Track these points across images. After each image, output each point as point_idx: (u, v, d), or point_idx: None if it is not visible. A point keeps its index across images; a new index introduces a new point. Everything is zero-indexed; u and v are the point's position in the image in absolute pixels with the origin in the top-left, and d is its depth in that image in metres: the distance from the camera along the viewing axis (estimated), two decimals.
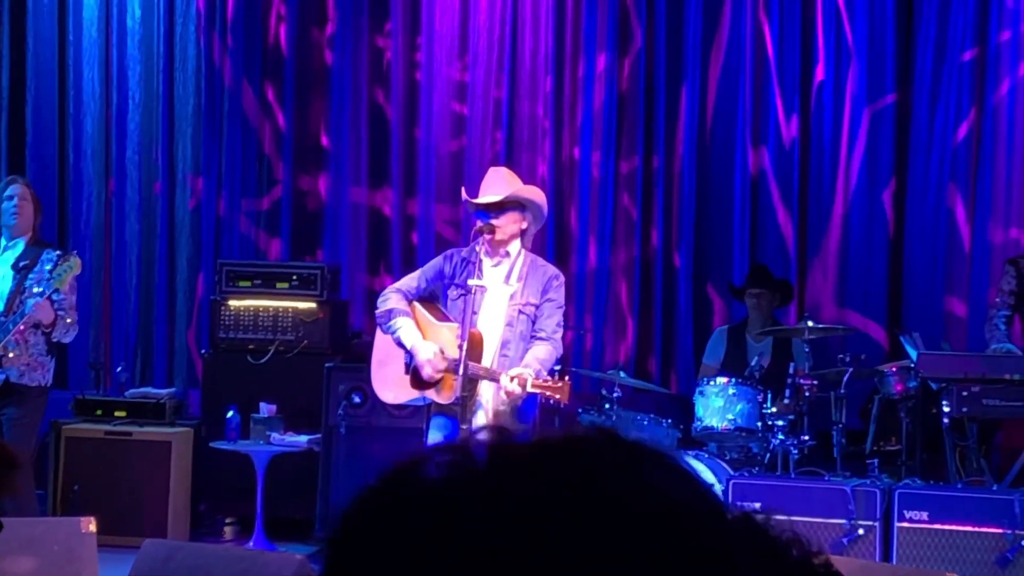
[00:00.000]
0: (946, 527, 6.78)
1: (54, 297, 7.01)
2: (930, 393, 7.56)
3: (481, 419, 6.19)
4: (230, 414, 8.25)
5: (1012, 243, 8.68)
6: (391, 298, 6.43)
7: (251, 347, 8.68)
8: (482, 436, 0.94)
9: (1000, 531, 6.70)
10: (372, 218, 9.65)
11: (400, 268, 9.08)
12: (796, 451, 7.41)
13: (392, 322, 6.34)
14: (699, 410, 7.61)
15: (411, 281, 6.52)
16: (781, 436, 7.42)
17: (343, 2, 9.62)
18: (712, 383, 7.66)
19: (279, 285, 8.78)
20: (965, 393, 7.19)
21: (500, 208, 6.28)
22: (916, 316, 8.79)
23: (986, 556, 6.72)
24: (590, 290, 9.28)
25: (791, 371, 7.62)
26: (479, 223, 6.31)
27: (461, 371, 6.02)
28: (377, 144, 9.63)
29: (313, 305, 8.72)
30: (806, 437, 7.46)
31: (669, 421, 7.90)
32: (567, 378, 6.12)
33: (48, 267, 7.09)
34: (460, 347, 6.05)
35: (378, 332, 6.55)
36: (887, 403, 7.76)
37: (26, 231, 7.35)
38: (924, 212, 8.89)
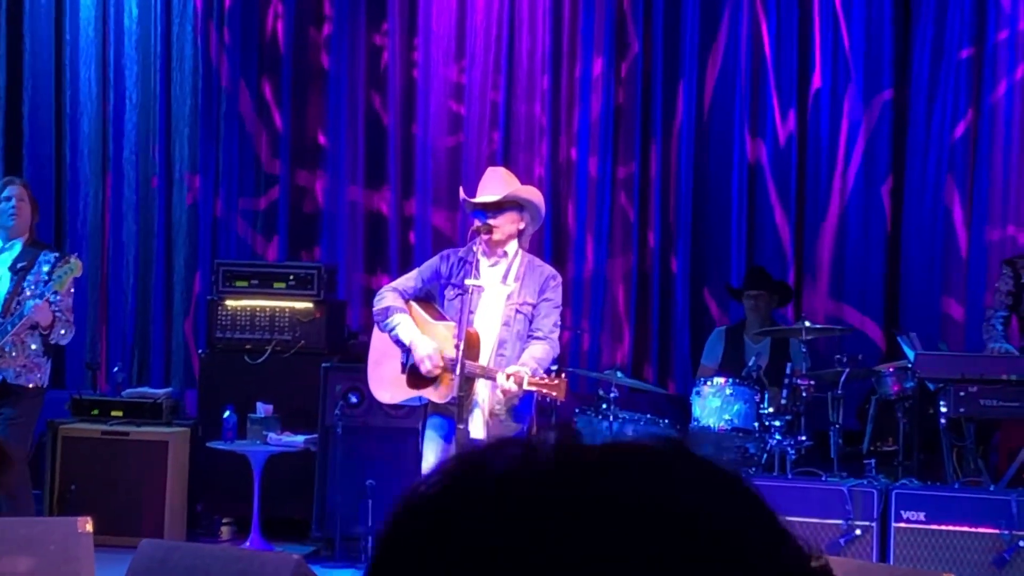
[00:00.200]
0: (943, 527, 6.78)
1: (51, 299, 7.00)
2: (927, 393, 7.57)
3: (478, 419, 6.19)
4: (227, 414, 8.24)
5: (1009, 241, 8.69)
6: (387, 297, 6.43)
7: (248, 347, 8.68)
8: (549, 434, 0.93)
9: (997, 531, 6.71)
10: (369, 218, 9.65)
11: (397, 268, 9.07)
12: (793, 451, 7.41)
13: (389, 319, 6.34)
14: (696, 410, 7.61)
15: (408, 281, 6.52)
16: (778, 436, 7.42)
17: (340, 2, 9.62)
18: (709, 383, 7.66)
19: (276, 285, 8.77)
20: (962, 393, 7.19)
21: (498, 208, 6.28)
22: (913, 316, 8.79)
23: (983, 556, 6.72)
24: (587, 292, 9.27)
25: (788, 371, 7.63)
26: (476, 223, 6.31)
27: (458, 370, 6.02)
28: (374, 144, 9.63)
29: (310, 305, 8.72)
30: (803, 437, 7.46)
31: (666, 421, 7.90)
32: (563, 376, 6.12)
33: (46, 268, 7.08)
34: (457, 346, 6.05)
35: (375, 332, 6.54)
36: (884, 403, 7.77)
37: (23, 232, 7.34)
38: (921, 212, 8.89)
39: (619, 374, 7.96)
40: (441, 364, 6.16)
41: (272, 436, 8.21)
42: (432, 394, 6.22)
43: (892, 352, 8.39)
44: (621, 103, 9.29)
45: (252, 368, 8.60)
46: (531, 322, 6.30)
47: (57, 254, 7.29)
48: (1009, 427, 7.65)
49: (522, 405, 6.24)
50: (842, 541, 6.80)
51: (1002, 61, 8.78)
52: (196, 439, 8.51)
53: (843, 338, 8.46)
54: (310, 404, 8.31)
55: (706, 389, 7.61)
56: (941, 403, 7.28)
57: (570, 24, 9.37)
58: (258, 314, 8.73)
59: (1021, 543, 6.66)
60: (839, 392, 7.51)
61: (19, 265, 7.20)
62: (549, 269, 6.50)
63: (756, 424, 7.49)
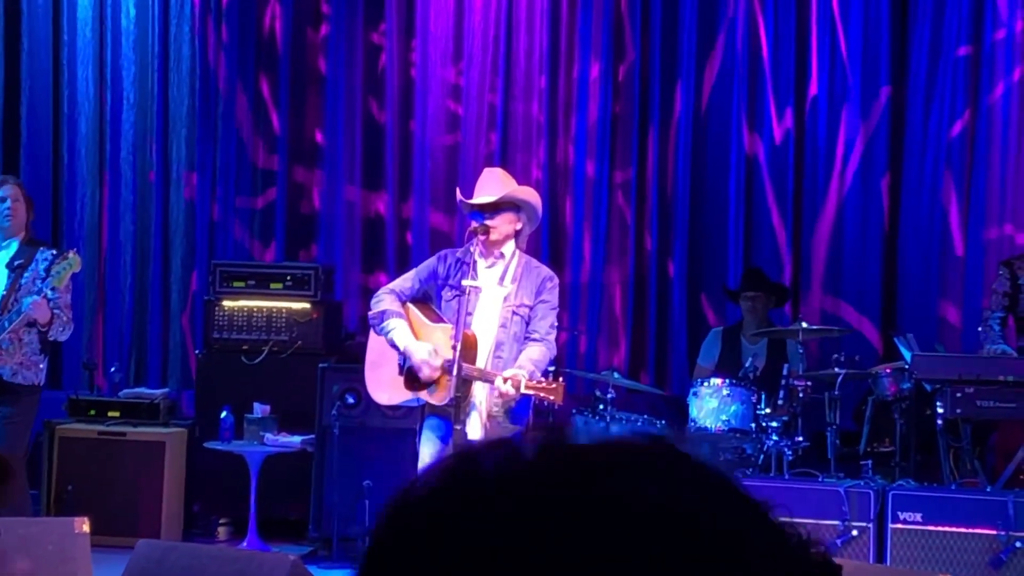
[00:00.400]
0: (940, 528, 6.78)
1: (50, 296, 7.00)
2: (924, 394, 7.57)
3: (475, 420, 6.19)
4: (224, 414, 8.24)
5: (1007, 240, 8.70)
6: (384, 299, 6.42)
7: (245, 347, 8.68)
8: (536, 434, 0.93)
9: (994, 532, 6.71)
10: (366, 218, 9.65)
11: (394, 269, 9.07)
12: (790, 452, 7.41)
13: (385, 323, 6.33)
14: (693, 411, 7.60)
15: (404, 282, 6.52)
16: (775, 437, 7.42)
17: (338, 2, 9.62)
18: (706, 384, 7.66)
19: (273, 286, 8.77)
20: (959, 394, 7.19)
21: (495, 209, 6.27)
22: (910, 317, 8.80)
23: (980, 557, 6.73)
24: (584, 295, 9.26)
25: (785, 372, 7.63)
26: (474, 224, 6.30)
27: (455, 372, 6.02)
28: (371, 144, 9.63)
29: (307, 306, 8.72)
30: (800, 438, 7.46)
31: (663, 422, 7.90)
32: (561, 379, 6.12)
33: (43, 266, 7.08)
34: (454, 348, 6.05)
35: (372, 333, 6.54)
36: (881, 404, 7.77)
37: (19, 231, 7.34)
38: (919, 211, 8.89)
39: (616, 375, 7.96)
40: (438, 368, 6.16)
41: (269, 436, 8.21)
42: (429, 396, 6.22)
43: (889, 353, 8.39)
44: (619, 106, 9.29)
45: (249, 368, 8.60)
46: (528, 323, 6.30)
47: (55, 251, 7.28)
48: (1006, 428, 7.65)
49: (519, 407, 6.23)
50: (839, 542, 6.80)
51: (1000, 60, 8.78)
52: (193, 439, 8.51)
53: (840, 339, 8.46)
54: (307, 405, 8.31)
55: (703, 390, 7.61)
56: (938, 404, 7.28)
57: (568, 25, 9.36)
58: (255, 314, 8.73)
59: (1018, 544, 6.66)
60: (836, 393, 7.51)
61: (16, 263, 7.20)
62: (546, 270, 6.50)
63: (753, 425, 7.49)
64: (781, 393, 7.56)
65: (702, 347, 8.68)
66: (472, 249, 6.32)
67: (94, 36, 9.82)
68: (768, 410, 7.49)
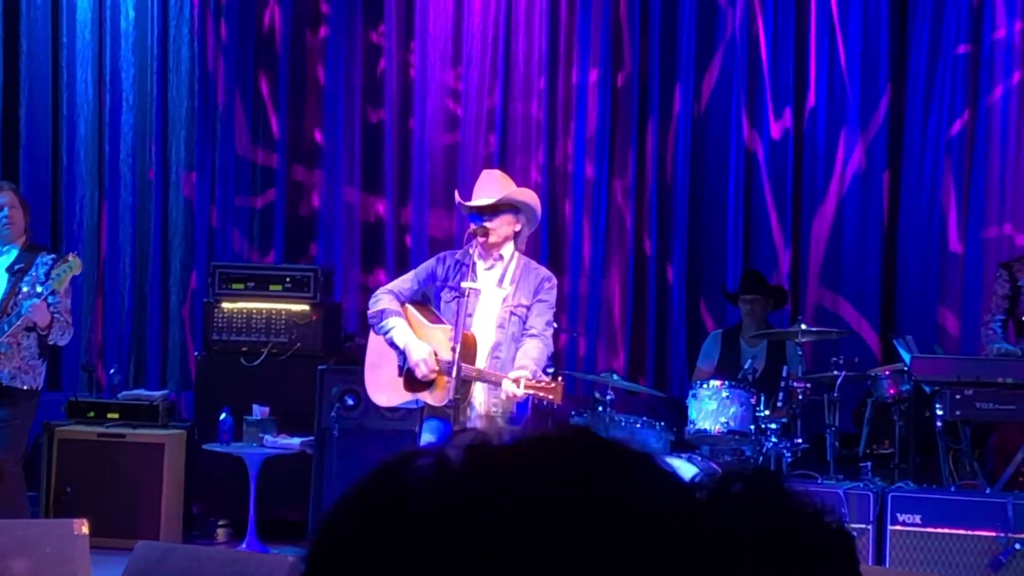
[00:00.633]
0: (939, 530, 6.78)
1: (50, 300, 6.99)
2: (923, 396, 7.57)
3: (474, 422, 6.18)
4: (223, 416, 8.24)
5: (1006, 239, 8.70)
6: (383, 299, 6.42)
7: (244, 349, 8.68)
8: (462, 439, 0.93)
9: (993, 534, 6.71)
10: (366, 220, 9.65)
11: (394, 270, 9.07)
12: (789, 454, 7.41)
13: (384, 323, 6.33)
14: (692, 413, 7.60)
15: (403, 283, 6.52)
16: (774, 439, 7.42)
17: (337, 5, 9.62)
18: (705, 386, 7.65)
19: (272, 287, 8.77)
20: (958, 396, 7.19)
21: (493, 210, 6.27)
22: (910, 318, 8.80)
23: (979, 559, 6.73)
24: (584, 297, 9.25)
25: (784, 374, 7.63)
26: (472, 226, 6.30)
27: (454, 373, 6.01)
28: (371, 146, 9.63)
29: (306, 307, 8.72)
30: (799, 440, 7.46)
31: (662, 424, 7.89)
32: (560, 379, 6.11)
33: (43, 271, 7.07)
34: (453, 349, 6.05)
35: (371, 335, 6.54)
36: (880, 406, 7.77)
37: (19, 237, 7.33)
38: (918, 210, 8.89)
39: (615, 376, 7.96)
40: (436, 368, 6.16)
41: (268, 438, 8.21)
42: (429, 397, 6.22)
43: (888, 355, 8.39)
44: (618, 109, 9.28)
45: (248, 370, 8.60)
46: (525, 323, 6.30)
47: (55, 255, 7.28)
48: (1005, 430, 7.65)
49: (518, 407, 6.23)
50: None
51: (999, 61, 8.78)
52: (192, 441, 8.51)
53: (839, 341, 8.46)
54: (306, 406, 8.30)
55: (702, 392, 7.60)
56: (937, 406, 7.28)
57: (567, 28, 9.36)
58: (254, 316, 8.73)
59: (1017, 546, 6.66)
60: (835, 395, 7.51)
61: (16, 267, 7.19)
62: (544, 271, 6.50)
63: (752, 427, 7.48)
64: (780, 395, 7.56)
65: (701, 349, 8.68)
66: (471, 251, 6.32)
67: (93, 38, 9.82)
68: (767, 412, 7.49)
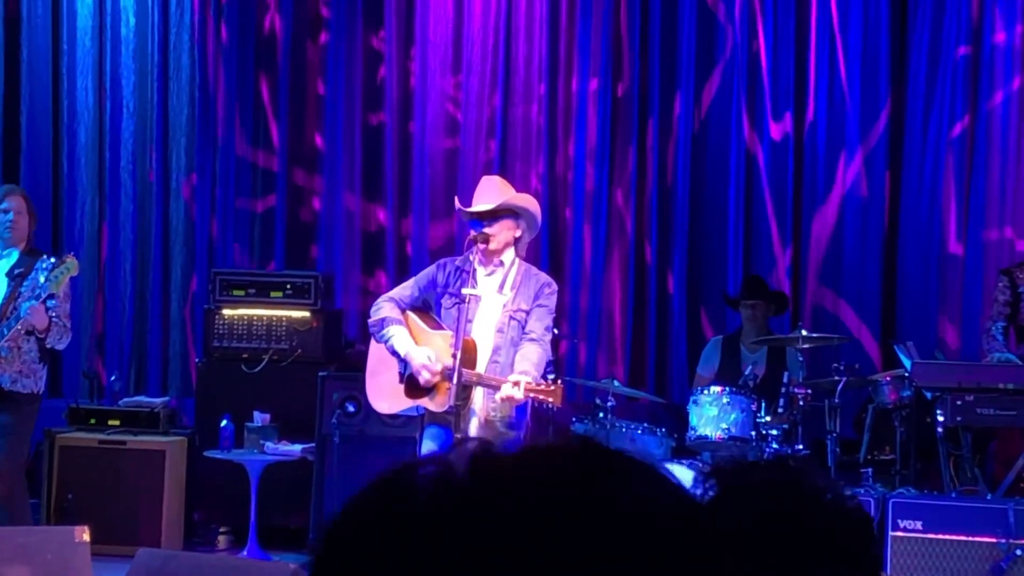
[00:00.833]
0: (940, 536, 6.78)
1: (48, 303, 6.99)
2: (924, 402, 7.57)
3: (474, 427, 6.18)
4: (224, 423, 8.24)
5: (1007, 243, 8.71)
6: (384, 307, 6.42)
7: (245, 356, 8.68)
8: (466, 448, 0.94)
9: (994, 540, 6.70)
10: (366, 226, 9.65)
11: (394, 277, 9.07)
12: None
13: (385, 331, 6.33)
14: (693, 419, 7.60)
15: (404, 290, 6.52)
16: (775, 445, 7.42)
17: (337, 10, 9.62)
18: (706, 392, 7.65)
19: (273, 294, 8.77)
20: (959, 402, 7.19)
21: (493, 216, 6.27)
22: (910, 322, 8.81)
23: (980, 565, 6.72)
24: (584, 303, 9.25)
25: (785, 380, 7.62)
26: (473, 232, 6.30)
27: (455, 379, 6.01)
28: (371, 153, 9.63)
29: (307, 314, 8.72)
30: (800, 446, 7.46)
31: (663, 430, 7.89)
32: (559, 382, 6.11)
33: (43, 277, 7.07)
34: (454, 355, 6.04)
35: (372, 341, 6.54)
36: (881, 412, 7.77)
37: (20, 242, 7.34)
38: (918, 214, 8.89)
39: (616, 383, 7.95)
40: (438, 373, 6.16)
41: (269, 445, 8.21)
42: (430, 403, 6.22)
43: (889, 361, 8.39)
44: (618, 116, 9.28)
45: (249, 377, 8.60)
46: (524, 327, 6.29)
47: (54, 260, 7.28)
48: (1006, 436, 7.65)
49: (517, 412, 6.23)
50: None
51: (999, 65, 8.78)
52: (193, 448, 8.51)
53: (840, 347, 8.45)
54: (307, 413, 8.30)
55: (703, 398, 7.60)
56: (938, 412, 7.27)
57: (567, 35, 9.36)
58: (255, 323, 8.73)
59: (1018, 552, 6.66)
60: (836, 401, 7.51)
61: (16, 271, 7.20)
62: (545, 277, 6.50)
63: (753, 433, 7.48)
64: (781, 401, 7.56)
65: (702, 355, 8.67)
66: (472, 257, 6.32)
67: (94, 45, 9.82)
68: (768, 418, 7.49)
